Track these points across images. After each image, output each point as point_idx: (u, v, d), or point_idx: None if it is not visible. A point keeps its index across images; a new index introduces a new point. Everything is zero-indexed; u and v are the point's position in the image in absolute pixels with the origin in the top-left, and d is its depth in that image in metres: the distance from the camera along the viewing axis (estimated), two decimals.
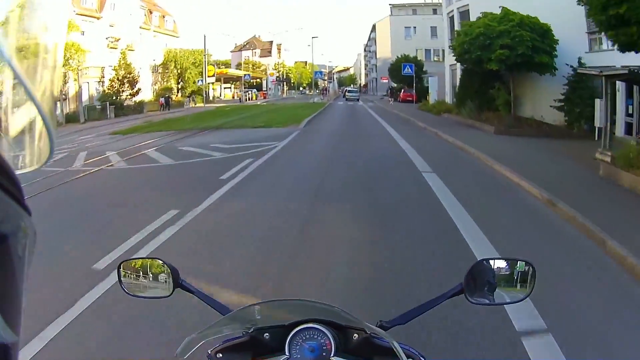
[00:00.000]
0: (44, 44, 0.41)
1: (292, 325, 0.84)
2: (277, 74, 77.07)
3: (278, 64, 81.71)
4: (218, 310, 0.96)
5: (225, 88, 62.51)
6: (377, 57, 60.06)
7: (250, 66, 75.62)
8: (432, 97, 25.20)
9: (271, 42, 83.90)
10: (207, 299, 1.00)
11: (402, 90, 34.55)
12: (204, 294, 1.00)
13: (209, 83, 50.76)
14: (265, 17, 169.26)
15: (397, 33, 42.86)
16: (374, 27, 61.00)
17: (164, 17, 44.03)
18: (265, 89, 60.25)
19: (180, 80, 40.47)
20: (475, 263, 0.96)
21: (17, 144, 0.40)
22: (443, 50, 40.04)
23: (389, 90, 39.24)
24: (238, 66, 76.60)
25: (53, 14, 0.42)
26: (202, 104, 40.21)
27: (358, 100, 40.74)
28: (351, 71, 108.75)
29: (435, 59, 39.78)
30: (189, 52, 45.51)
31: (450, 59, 22.01)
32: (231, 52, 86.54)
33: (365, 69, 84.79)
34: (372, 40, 66.46)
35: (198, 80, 39.73)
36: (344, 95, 46.61)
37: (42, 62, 0.39)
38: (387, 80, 48.73)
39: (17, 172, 0.33)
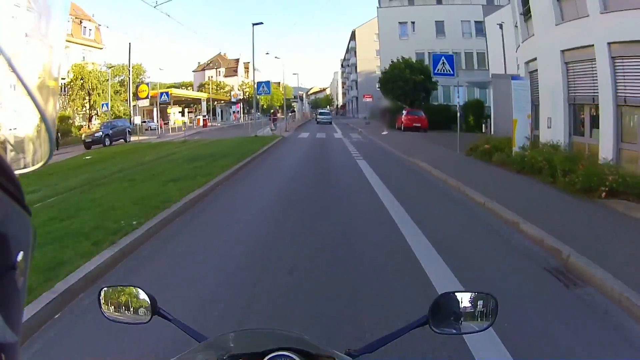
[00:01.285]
0: (45, 46, 0.41)
1: (265, 353, 0.85)
2: (243, 95, 67.46)
3: (243, 84, 72.34)
4: (194, 337, 1.01)
5: (179, 112, 51.51)
6: (358, 71, 50.27)
7: (215, 87, 66.66)
8: (521, 134, 10.07)
9: (237, 60, 75.35)
10: (183, 326, 1.04)
11: (405, 112, 22.78)
12: (180, 322, 1.04)
13: (147, 106, 39.69)
14: (231, 38, 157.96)
15: (389, 32, 32.09)
16: (353, 34, 51.41)
17: (80, 22, 33.00)
18: (205, 114, 48.56)
19: (90, 106, 28.86)
20: (439, 295, 1.00)
21: (17, 144, 0.40)
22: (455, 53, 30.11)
23: (386, 113, 25.89)
24: (200, 87, 67.44)
25: (54, 19, 0.41)
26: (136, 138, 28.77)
27: (330, 123, 36.64)
28: (327, 92, 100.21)
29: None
30: (118, 67, 34.42)
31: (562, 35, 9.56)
32: (193, 71, 78.35)
33: (343, 87, 75.05)
34: (351, 51, 56.90)
35: (103, 105, 27.90)
36: (316, 119, 40.93)
37: (44, 65, 0.40)
38: (370, 99, 38.52)
39: (17, 172, 0.34)
